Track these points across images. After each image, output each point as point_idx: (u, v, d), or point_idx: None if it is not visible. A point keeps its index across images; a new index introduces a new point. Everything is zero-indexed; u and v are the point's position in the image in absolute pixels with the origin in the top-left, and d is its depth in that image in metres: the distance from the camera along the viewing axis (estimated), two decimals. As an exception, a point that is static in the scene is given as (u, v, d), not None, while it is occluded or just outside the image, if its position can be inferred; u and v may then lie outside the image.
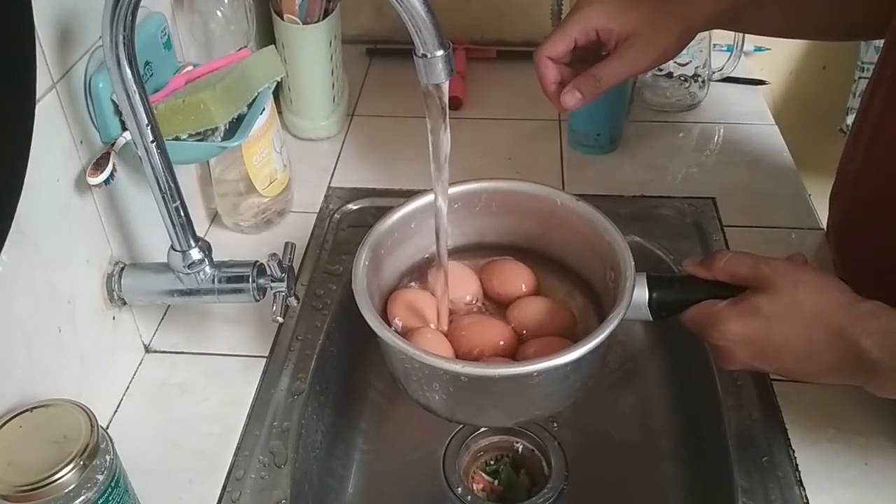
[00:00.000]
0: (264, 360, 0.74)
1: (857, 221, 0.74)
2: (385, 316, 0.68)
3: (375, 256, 0.66)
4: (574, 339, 0.61)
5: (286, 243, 0.72)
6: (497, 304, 0.70)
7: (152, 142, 0.59)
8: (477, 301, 0.71)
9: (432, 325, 0.67)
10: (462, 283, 0.70)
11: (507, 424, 0.72)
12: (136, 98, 0.57)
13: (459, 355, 0.65)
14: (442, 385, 0.59)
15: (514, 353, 0.66)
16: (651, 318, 0.63)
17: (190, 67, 0.73)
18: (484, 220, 0.71)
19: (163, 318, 0.77)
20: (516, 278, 0.71)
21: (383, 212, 0.70)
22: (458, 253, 0.72)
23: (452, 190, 0.64)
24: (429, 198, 0.67)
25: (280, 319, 0.68)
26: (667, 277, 0.65)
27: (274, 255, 0.68)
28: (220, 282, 0.67)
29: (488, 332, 0.67)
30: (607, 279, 0.65)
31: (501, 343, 0.66)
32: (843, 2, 0.73)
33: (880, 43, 1.10)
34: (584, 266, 0.70)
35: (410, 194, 0.89)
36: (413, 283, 0.72)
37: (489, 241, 0.72)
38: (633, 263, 0.62)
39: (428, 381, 0.60)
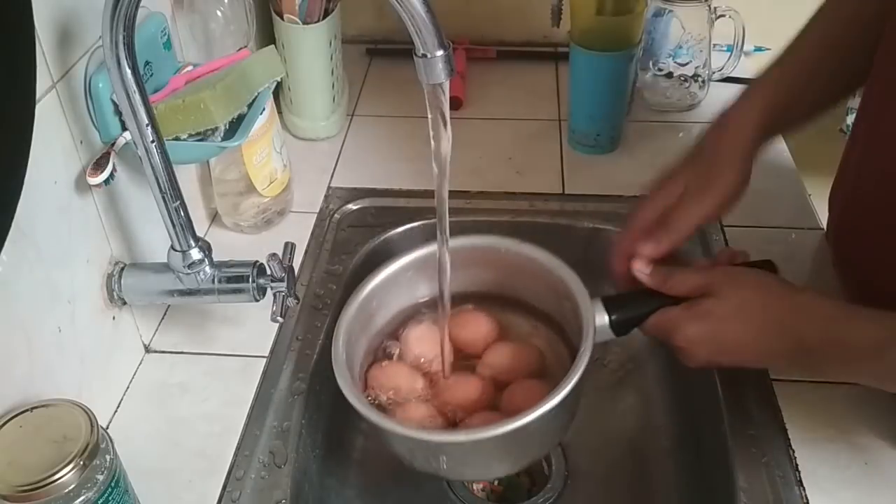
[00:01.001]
0: (264, 360, 0.74)
1: (855, 220, 0.74)
2: (364, 389, 0.70)
3: (349, 337, 0.69)
4: (546, 372, 0.69)
5: (286, 243, 0.72)
6: (465, 355, 0.74)
7: (152, 142, 0.59)
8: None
9: (415, 391, 0.70)
10: (430, 341, 0.73)
11: (514, 471, 0.76)
12: (136, 98, 0.57)
13: (448, 419, 0.68)
14: (448, 455, 0.63)
15: (496, 402, 0.70)
16: (615, 337, 0.67)
17: (190, 67, 0.73)
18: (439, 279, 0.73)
19: (163, 318, 0.77)
20: (479, 327, 0.75)
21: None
22: (419, 313, 0.76)
23: (403, 260, 0.73)
24: (398, 263, 0.73)
25: (280, 319, 0.68)
26: (619, 296, 0.68)
27: (274, 255, 0.68)
28: (220, 282, 0.67)
29: (469, 390, 0.70)
30: (565, 309, 0.69)
31: (484, 397, 0.70)
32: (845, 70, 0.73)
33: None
34: (541, 300, 0.74)
35: (410, 194, 0.90)
36: (389, 345, 0.75)
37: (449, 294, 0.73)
38: (587, 293, 0.67)
39: (434, 454, 0.63)
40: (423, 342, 0.73)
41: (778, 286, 0.64)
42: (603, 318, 0.66)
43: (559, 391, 0.59)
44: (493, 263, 0.75)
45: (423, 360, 0.73)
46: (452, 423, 0.69)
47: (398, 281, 0.74)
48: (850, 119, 1.14)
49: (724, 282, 0.64)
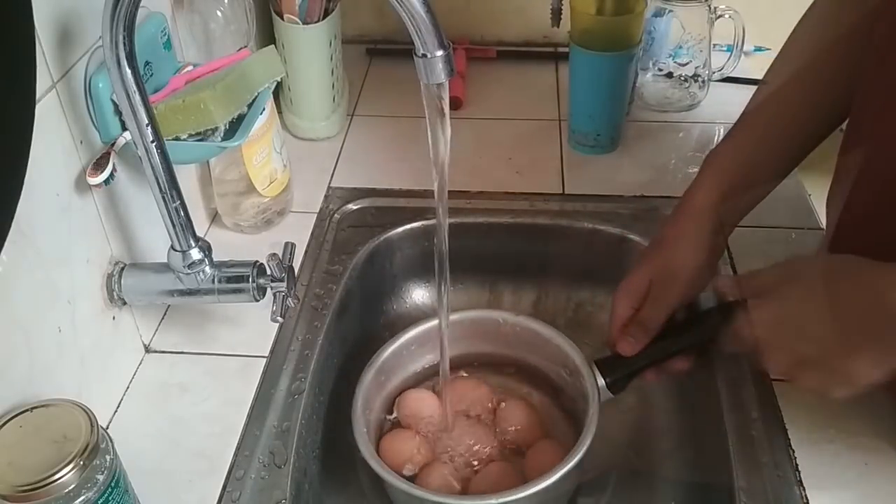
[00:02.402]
0: (264, 360, 0.74)
1: (852, 232, 0.73)
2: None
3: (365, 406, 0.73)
4: (546, 430, 0.76)
5: (286, 243, 0.72)
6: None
7: (152, 142, 0.59)
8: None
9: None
10: (421, 402, 0.78)
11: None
12: (136, 98, 0.57)
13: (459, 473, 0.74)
14: None
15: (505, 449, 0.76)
16: (612, 396, 0.70)
17: (190, 67, 0.73)
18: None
19: (163, 318, 0.77)
20: (481, 397, 0.79)
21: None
22: (420, 381, 0.81)
23: (405, 336, 0.77)
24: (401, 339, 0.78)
25: (280, 319, 0.68)
26: (610, 357, 0.71)
27: (274, 254, 0.68)
28: (220, 282, 0.67)
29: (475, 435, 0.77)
30: (562, 374, 0.76)
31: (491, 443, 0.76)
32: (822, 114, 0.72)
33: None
34: (539, 366, 0.79)
35: (410, 194, 0.90)
36: (390, 418, 0.79)
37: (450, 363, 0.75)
38: (584, 361, 0.72)
39: None
40: (416, 403, 0.77)
41: (854, 262, 0.57)
42: (600, 381, 0.70)
43: (578, 450, 0.65)
44: (490, 334, 0.80)
45: (418, 419, 0.76)
46: (464, 477, 0.73)
47: (402, 353, 0.78)
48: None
49: (802, 261, 0.61)
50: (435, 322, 0.75)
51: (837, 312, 0.55)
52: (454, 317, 0.74)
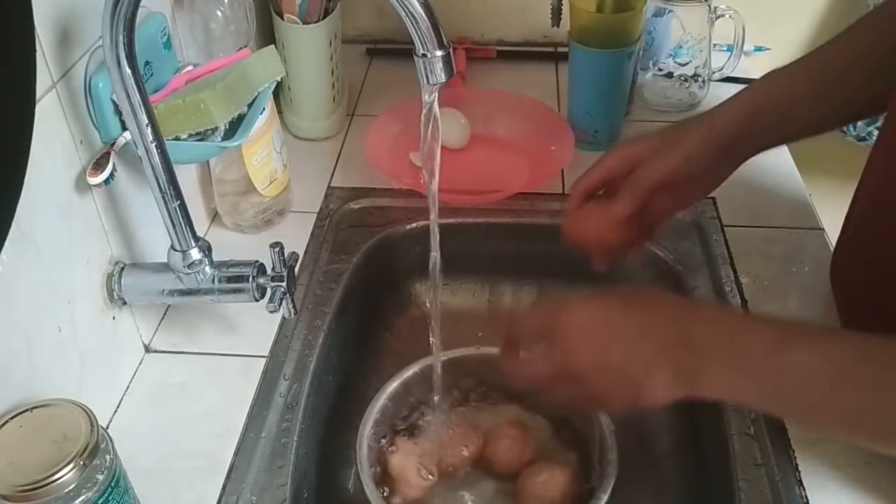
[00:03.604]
0: (264, 360, 0.74)
1: (858, 251, 0.73)
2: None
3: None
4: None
5: (290, 254, 0.71)
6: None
7: (152, 142, 0.59)
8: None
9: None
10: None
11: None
12: (136, 98, 0.57)
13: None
14: None
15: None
16: None
17: (190, 67, 0.73)
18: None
19: (163, 318, 0.77)
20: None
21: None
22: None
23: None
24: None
25: (276, 309, 0.68)
26: None
27: (277, 243, 0.68)
28: (220, 282, 0.67)
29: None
30: None
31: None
32: (841, 98, 0.71)
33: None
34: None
35: (410, 194, 0.90)
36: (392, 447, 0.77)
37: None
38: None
39: None
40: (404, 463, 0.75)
41: (666, 295, 0.61)
42: None
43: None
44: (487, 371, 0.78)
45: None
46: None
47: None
48: (850, 119, 1.14)
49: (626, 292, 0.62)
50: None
51: (645, 330, 0.57)
52: (450, 354, 0.75)
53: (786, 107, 0.69)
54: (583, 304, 0.59)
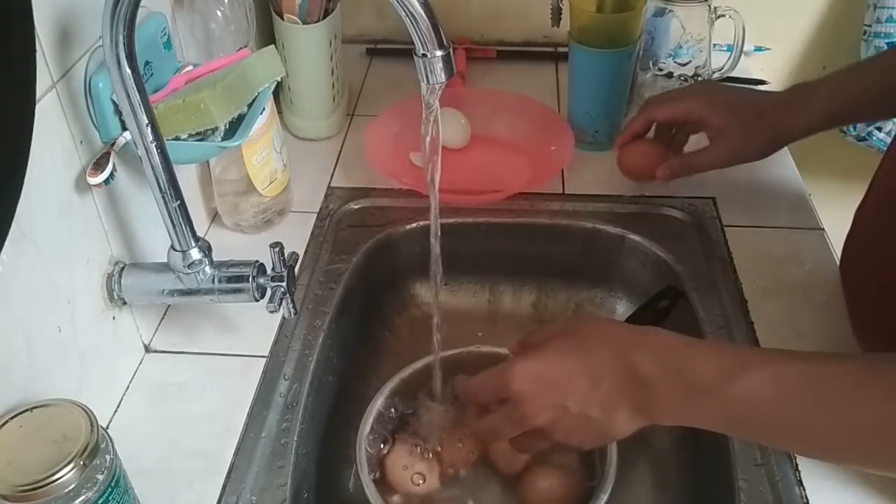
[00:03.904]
0: (264, 360, 0.74)
1: (868, 247, 0.73)
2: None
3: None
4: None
5: (290, 253, 0.71)
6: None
7: (152, 142, 0.59)
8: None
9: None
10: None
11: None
12: (136, 98, 0.57)
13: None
14: None
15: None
16: None
17: (190, 67, 0.73)
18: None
19: (163, 318, 0.77)
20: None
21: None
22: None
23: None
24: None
25: (274, 308, 0.68)
26: None
27: (277, 243, 0.68)
28: (220, 282, 0.67)
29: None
30: None
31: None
32: None
33: (880, 43, 1.10)
34: None
35: (410, 194, 0.90)
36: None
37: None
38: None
39: None
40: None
41: (615, 323, 0.62)
42: None
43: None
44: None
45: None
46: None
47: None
48: (850, 119, 1.14)
49: (566, 326, 0.63)
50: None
51: (594, 374, 0.58)
52: (455, 352, 0.75)
53: (857, 112, 0.77)
54: (526, 364, 0.60)
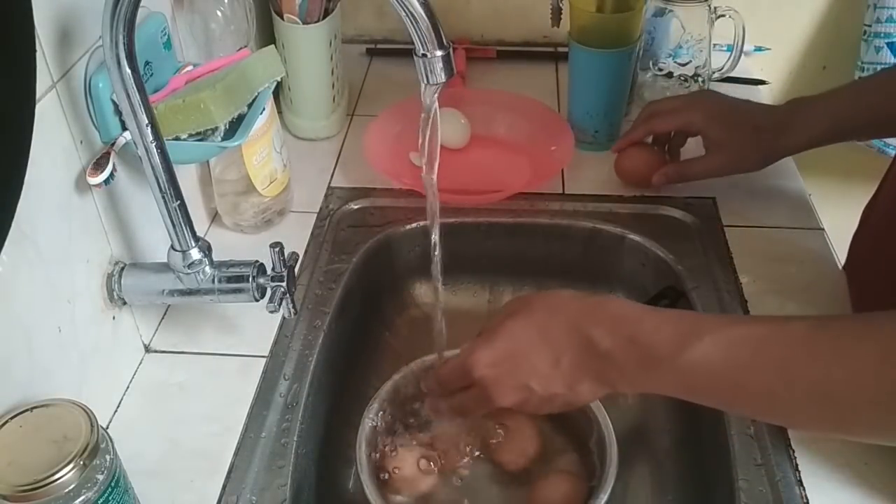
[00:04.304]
0: (264, 360, 0.74)
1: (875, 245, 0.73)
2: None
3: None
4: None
5: (290, 253, 0.71)
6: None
7: (152, 142, 0.59)
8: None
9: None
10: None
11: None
12: (136, 98, 0.57)
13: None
14: None
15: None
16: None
17: (190, 67, 0.73)
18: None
19: (163, 318, 0.77)
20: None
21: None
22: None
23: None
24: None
25: (274, 308, 0.68)
26: None
27: (277, 243, 0.68)
28: (220, 282, 0.67)
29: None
30: None
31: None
32: None
33: (880, 42, 1.10)
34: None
35: (410, 194, 0.90)
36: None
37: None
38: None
39: None
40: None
41: (568, 293, 0.62)
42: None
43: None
44: None
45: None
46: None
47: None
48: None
49: (526, 302, 0.63)
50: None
51: (553, 352, 0.59)
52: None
53: (855, 131, 0.78)
54: (485, 349, 0.61)
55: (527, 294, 0.65)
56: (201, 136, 0.68)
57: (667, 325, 0.55)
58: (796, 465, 0.65)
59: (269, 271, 0.69)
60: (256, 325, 0.76)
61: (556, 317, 0.60)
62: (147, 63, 0.68)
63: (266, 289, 0.69)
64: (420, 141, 0.59)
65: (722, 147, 0.84)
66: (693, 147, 0.89)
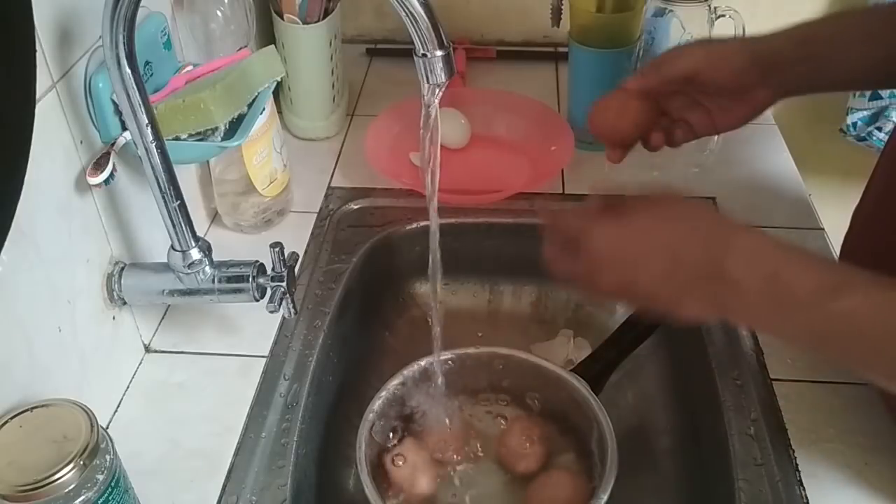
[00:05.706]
0: (264, 360, 0.74)
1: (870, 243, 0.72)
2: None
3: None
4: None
5: (290, 253, 0.71)
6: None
7: (152, 142, 0.59)
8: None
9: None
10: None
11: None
12: (136, 98, 0.57)
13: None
14: None
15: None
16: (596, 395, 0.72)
17: (190, 67, 0.73)
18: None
19: (163, 318, 0.77)
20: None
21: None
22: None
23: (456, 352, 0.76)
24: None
25: (274, 308, 0.68)
26: (584, 362, 0.76)
27: (277, 243, 0.68)
28: (220, 282, 0.67)
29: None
30: (569, 406, 0.75)
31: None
32: None
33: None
34: (546, 400, 0.78)
35: (410, 194, 0.90)
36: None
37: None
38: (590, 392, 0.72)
39: None
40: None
41: (706, 213, 0.58)
42: (584, 386, 0.72)
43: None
44: (500, 368, 0.79)
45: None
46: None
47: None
48: (851, 118, 1.14)
49: (641, 200, 0.60)
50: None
51: (675, 260, 0.55)
52: (458, 352, 0.76)
53: (836, 43, 0.68)
54: (610, 228, 0.58)
55: (674, 194, 0.62)
56: (201, 136, 0.68)
57: (813, 270, 0.52)
58: (796, 465, 0.65)
59: (269, 271, 0.69)
60: (256, 325, 0.76)
61: (693, 228, 0.56)
62: (147, 63, 0.68)
63: (266, 289, 0.69)
64: (421, 141, 0.60)
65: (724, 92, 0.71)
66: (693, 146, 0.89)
